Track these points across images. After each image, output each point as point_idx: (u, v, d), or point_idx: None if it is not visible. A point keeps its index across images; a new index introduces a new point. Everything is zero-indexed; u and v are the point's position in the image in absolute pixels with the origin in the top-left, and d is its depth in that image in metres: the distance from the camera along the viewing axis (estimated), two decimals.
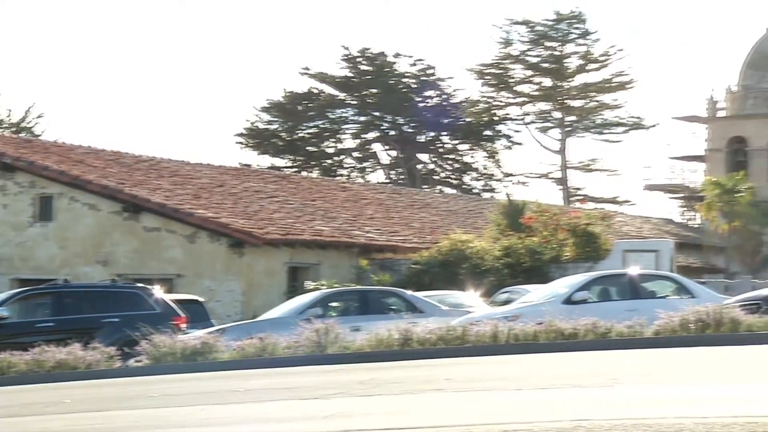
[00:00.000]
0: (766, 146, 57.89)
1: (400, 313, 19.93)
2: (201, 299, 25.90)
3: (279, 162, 68.89)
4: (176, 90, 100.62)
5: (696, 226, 59.97)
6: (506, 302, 24.47)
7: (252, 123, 68.98)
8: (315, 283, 30.50)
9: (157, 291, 22.17)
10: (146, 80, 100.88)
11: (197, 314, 23.29)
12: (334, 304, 22.27)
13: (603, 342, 15.89)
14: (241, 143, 69.02)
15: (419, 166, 71.02)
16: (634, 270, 22.34)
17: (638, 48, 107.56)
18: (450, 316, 20.21)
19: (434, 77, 69.57)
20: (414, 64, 69.01)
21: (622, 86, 68.01)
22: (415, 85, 69.53)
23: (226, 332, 19.52)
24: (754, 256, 51.34)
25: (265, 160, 68.33)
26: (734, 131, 58.75)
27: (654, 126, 69.35)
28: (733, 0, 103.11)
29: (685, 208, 63.43)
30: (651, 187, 63.31)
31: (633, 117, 68.81)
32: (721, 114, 60.11)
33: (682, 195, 62.95)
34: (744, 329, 15.65)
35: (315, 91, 69.07)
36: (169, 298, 22.58)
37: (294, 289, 31.55)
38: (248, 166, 56.79)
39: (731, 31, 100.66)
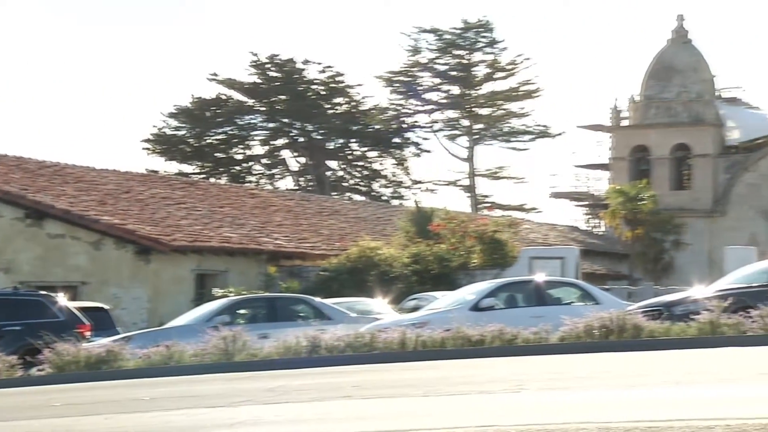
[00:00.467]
0: (668, 155, 59.06)
1: (309, 320, 19.92)
2: (106, 307, 25.53)
3: (187, 168, 68.35)
4: (82, 94, 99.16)
5: (600, 233, 60.92)
6: (414, 309, 24.57)
7: (159, 129, 68.32)
8: (223, 291, 30.30)
9: (61, 298, 21.83)
10: (51, 84, 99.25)
11: (102, 322, 22.98)
12: (241, 311, 22.16)
13: (509, 348, 16.05)
14: (148, 149, 68.28)
15: (328, 173, 71.02)
16: (540, 277, 22.61)
17: (545, 57, 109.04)
18: (358, 323, 20.24)
19: (343, 84, 69.66)
20: (323, 71, 69.04)
21: (528, 95, 68.86)
22: (324, 92, 69.54)
23: (131, 340, 19.30)
24: (657, 263, 52.37)
25: (173, 167, 67.78)
26: (637, 140, 59.83)
27: (560, 134, 70.40)
28: (636, 11, 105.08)
29: (590, 216, 64.40)
30: (557, 195, 64.16)
31: (539, 125, 69.75)
32: (624, 123, 61.18)
33: (587, 203, 63.90)
34: (646, 335, 15.93)
35: (223, 97, 68.66)
36: (73, 305, 22.24)
37: (202, 296, 31.31)
38: (155, 172, 56.24)
39: (634, 42, 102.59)
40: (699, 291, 18.87)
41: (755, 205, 57.17)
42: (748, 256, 31.69)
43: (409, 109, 70.35)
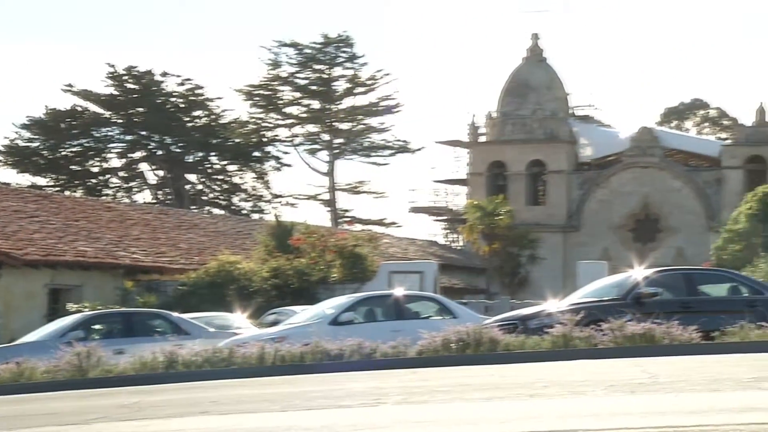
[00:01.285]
0: (524, 171, 60.25)
1: (166, 336, 19.62)
2: None
3: (40, 181, 66.79)
4: None
5: (459, 247, 61.74)
6: (274, 323, 24.49)
7: (11, 140, 66.62)
8: (77, 306, 29.67)
9: None
10: None
11: None
12: (96, 326, 21.76)
13: (368, 362, 16.10)
14: None
15: (187, 187, 70.25)
16: (399, 291, 22.76)
17: (404, 73, 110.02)
18: (217, 338, 20.06)
19: (203, 97, 69.06)
20: (182, 84, 68.34)
21: (388, 110, 69.42)
22: (183, 105, 68.82)
23: None
24: (513, 277, 53.32)
25: (26, 179, 66.12)
26: (494, 156, 60.88)
27: (419, 149, 71.20)
28: (493, 29, 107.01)
29: (449, 231, 65.23)
30: (416, 210, 64.80)
31: (399, 140, 70.38)
32: (482, 139, 62.19)
33: (445, 217, 64.70)
34: (502, 348, 16.17)
35: (79, 108, 67.35)
36: None
37: (55, 311, 30.59)
38: (7, 184, 54.74)
39: (492, 59, 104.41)
40: (553, 305, 19.23)
41: (607, 220, 58.77)
42: (600, 271, 32.48)
43: (270, 122, 70.16)
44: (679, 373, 12.13)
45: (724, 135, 74.44)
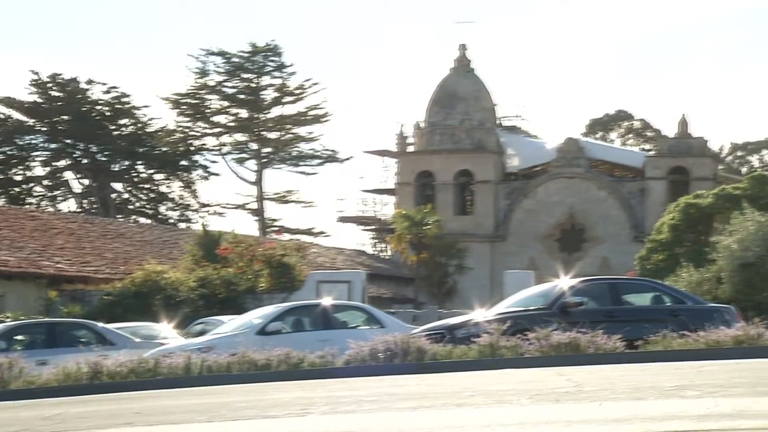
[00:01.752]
0: (451, 181, 60.56)
1: (90, 346, 19.37)
2: None
3: None
4: None
5: (387, 257, 61.83)
6: (201, 333, 24.32)
7: None
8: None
9: None
10: None
11: None
12: (19, 337, 21.45)
13: (296, 372, 16.06)
14: None
15: (113, 196, 69.51)
16: (326, 301, 22.73)
17: (333, 82, 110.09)
18: (142, 348, 19.88)
19: (129, 105, 68.42)
20: (108, 92, 67.64)
21: (317, 119, 69.35)
22: (109, 113, 68.13)
23: None
24: (441, 286, 53.53)
25: None
26: (422, 166, 61.12)
27: (348, 159, 71.18)
28: (421, 39, 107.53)
29: (377, 240, 65.31)
30: (344, 219, 64.78)
31: (328, 150, 70.32)
32: (410, 149, 62.40)
33: (373, 227, 64.76)
34: (429, 358, 16.22)
35: (1, 116, 66.32)
36: None
37: None
38: None
39: (420, 69, 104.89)
40: (480, 314, 19.32)
41: (534, 230, 59.28)
42: (527, 280, 32.74)
43: (197, 131, 69.73)
44: (603, 381, 12.27)
45: (647, 146, 75.58)
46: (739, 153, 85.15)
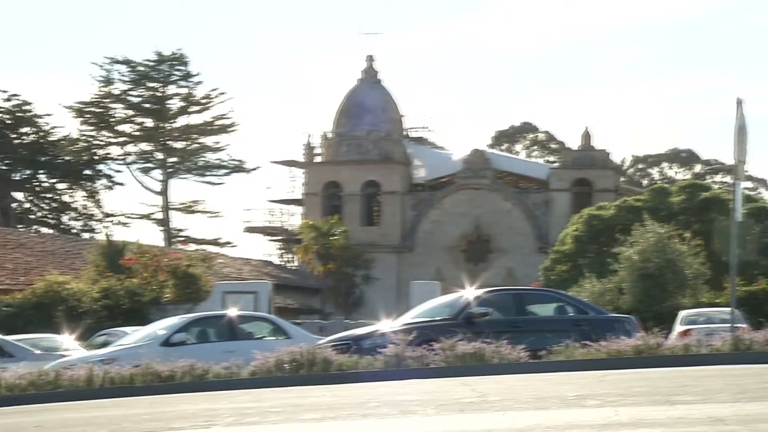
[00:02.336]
0: (358, 191, 60.69)
1: None
2: None
3: None
4: None
5: (294, 268, 61.66)
6: (104, 345, 24.00)
7: None
8: None
9: None
10: None
11: None
12: None
13: (201, 383, 15.93)
14: None
15: (14, 205, 68.19)
16: (232, 311, 22.60)
17: (241, 92, 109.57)
18: (43, 360, 19.54)
19: (31, 114, 67.21)
20: (8, 99, 66.39)
21: (224, 129, 68.86)
22: (10, 121, 66.85)
23: None
24: (348, 297, 53.59)
25: None
26: (329, 176, 61.15)
27: (255, 169, 70.77)
28: (329, 50, 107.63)
29: (284, 251, 65.07)
30: (251, 230, 64.47)
31: (234, 160, 69.83)
32: (317, 159, 62.36)
33: (280, 237, 64.54)
34: (335, 369, 16.22)
35: None
36: None
37: None
38: None
39: (329, 80, 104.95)
40: (386, 325, 19.39)
41: (440, 241, 59.67)
42: (433, 291, 32.92)
43: (101, 140, 68.79)
44: (508, 391, 12.40)
45: (552, 158, 76.60)
46: (640, 165, 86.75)
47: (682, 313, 25.96)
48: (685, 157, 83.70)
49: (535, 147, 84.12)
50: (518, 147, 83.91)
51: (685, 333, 20.80)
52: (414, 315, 19.67)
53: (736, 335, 16.69)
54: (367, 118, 61.41)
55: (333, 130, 61.99)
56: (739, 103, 16.86)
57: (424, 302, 21.36)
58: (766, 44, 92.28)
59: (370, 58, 63.40)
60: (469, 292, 19.85)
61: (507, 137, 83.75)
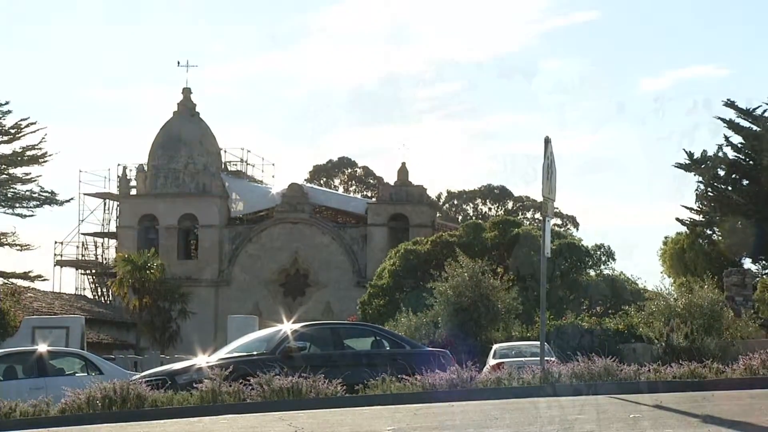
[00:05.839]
0: (175, 224, 59.96)
1: None
2: None
3: None
4: None
5: (108, 302, 60.31)
6: None
7: None
8: None
9: None
10: None
11: None
12: None
13: (7, 422, 15.42)
14: None
15: None
16: (42, 347, 22.00)
17: (56, 123, 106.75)
18: None
19: None
20: None
21: (35, 160, 66.94)
22: None
23: None
24: (164, 332, 52.65)
25: None
26: (146, 209, 60.23)
27: (68, 201, 68.92)
28: (147, 81, 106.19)
29: (98, 284, 63.60)
30: (63, 263, 62.81)
31: (46, 191, 67.87)
32: (133, 192, 61.36)
33: (94, 271, 63.10)
34: (149, 405, 15.94)
35: None
36: None
37: None
38: None
39: (146, 112, 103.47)
40: (202, 360, 19.18)
41: (258, 275, 59.44)
42: (251, 325, 32.76)
43: None
44: (324, 425, 12.43)
45: (369, 193, 77.42)
46: (455, 201, 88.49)
47: (495, 347, 26.52)
48: (497, 194, 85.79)
49: (353, 182, 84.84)
50: (336, 182, 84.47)
51: (498, 366, 21.24)
52: (231, 350, 19.53)
53: (545, 368, 17.17)
54: (184, 151, 60.83)
55: (149, 163, 61.13)
56: (548, 141, 17.39)
57: (241, 337, 21.26)
58: (570, 84, 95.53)
59: (188, 91, 62.91)
60: (287, 327, 19.84)
61: (325, 172, 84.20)
